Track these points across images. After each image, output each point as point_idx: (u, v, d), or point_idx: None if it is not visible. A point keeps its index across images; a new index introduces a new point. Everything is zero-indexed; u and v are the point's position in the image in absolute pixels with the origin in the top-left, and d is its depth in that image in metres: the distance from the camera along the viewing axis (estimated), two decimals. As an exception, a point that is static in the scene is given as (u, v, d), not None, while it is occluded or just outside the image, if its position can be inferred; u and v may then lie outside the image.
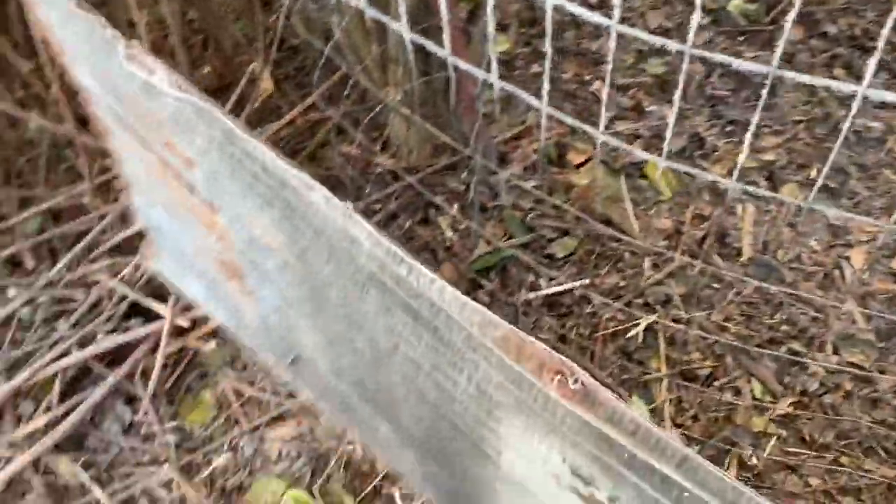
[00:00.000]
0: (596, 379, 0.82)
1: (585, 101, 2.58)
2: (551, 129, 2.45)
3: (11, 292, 2.07)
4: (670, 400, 1.97)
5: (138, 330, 2.08)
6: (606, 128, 2.48)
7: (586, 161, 2.39)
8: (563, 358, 0.83)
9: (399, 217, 2.35)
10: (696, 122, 2.45)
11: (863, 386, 1.93)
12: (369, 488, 1.93)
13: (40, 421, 1.94)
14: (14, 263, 2.25)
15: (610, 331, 2.09)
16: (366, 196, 2.32)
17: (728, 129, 2.44)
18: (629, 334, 2.08)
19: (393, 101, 2.30)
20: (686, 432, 1.92)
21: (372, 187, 2.38)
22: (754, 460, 1.85)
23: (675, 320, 2.08)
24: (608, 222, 2.29)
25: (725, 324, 2.06)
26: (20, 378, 1.95)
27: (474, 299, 2.18)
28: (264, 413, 2.06)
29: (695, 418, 1.94)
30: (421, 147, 2.42)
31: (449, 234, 2.33)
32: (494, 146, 2.43)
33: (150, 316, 2.11)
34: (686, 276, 2.17)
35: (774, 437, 1.89)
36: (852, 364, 1.97)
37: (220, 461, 1.99)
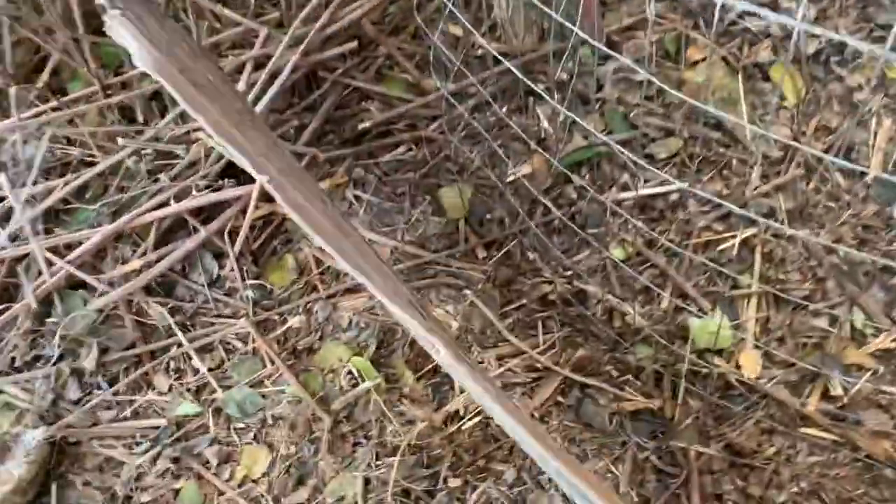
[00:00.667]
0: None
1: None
2: (671, 21, 2.25)
3: (122, 142, 2.18)
4: (757, 319, 1.83)
5: (230, 191, 2.15)
6: (733, 23, 2.24)
7: (705, 58, 2.18)
8: None
9: (495, 102, 2.26)
10: (839, 23, 2.16)
11: None
12: (429, 367, 1.94)
13: (136, 263, 2.07)
14: (128, 117, 2.37)
15: (703, 240, 1.95)
16: (463, 78, 2.24)
17: (876, 34, 2.14)
18: (723, 245, 1.93)
19: (501, -20, 2.18)
20: (770, 354, 1.78)
21: (471, 70, 2.30)
22: (840, 391, 1.69)
23: (776, 236, 1.90)
24: (719, 126, 2.10)
25: (835, 245, 1.86)
26: (122, 221, 2.07)
27: (560, 194, 2.09)
28: (340, 284, 2.10)
29: (780, 341, 1.79)
30: (527, 31, 2.29)
31: (545, 124, 2.22)
32: (604, 33, 2.27)
33: (243, 179, 2.17)
34: (797, 190, 1.96)
35: (869, 372, 1.72)
36: (978, 304, 1.73)
37: (294, 322, 2.05)
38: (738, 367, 1.76)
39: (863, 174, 1.96)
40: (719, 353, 1.79)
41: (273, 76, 2.22)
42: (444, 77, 2.27)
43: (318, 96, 2.37)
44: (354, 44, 2.31)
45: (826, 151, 2.00)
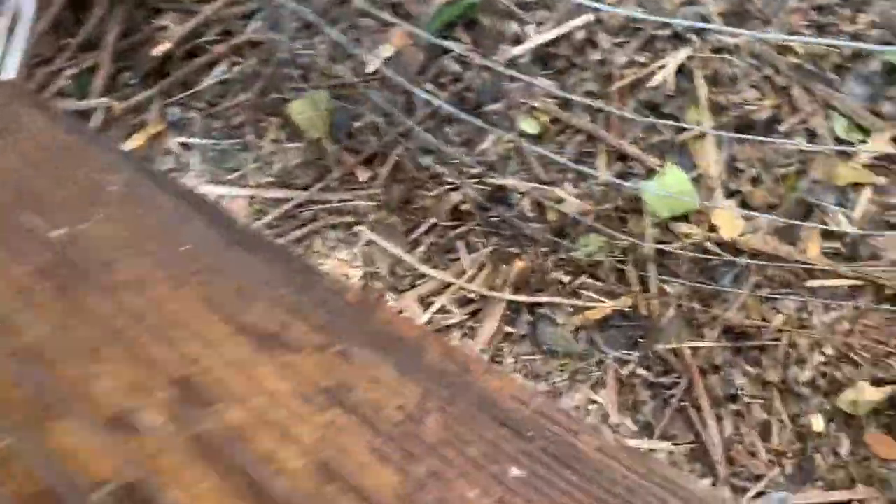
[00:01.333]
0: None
1: None
2: None
3: None
4: (719, 162, 1.44)
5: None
6: None
7: None
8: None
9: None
10: None
11: None
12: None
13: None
14: None
15: (628, 81, 1.51)
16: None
17: None
18: (655, 80, 1.51)
19: None
20: (747, 201, 1.41)
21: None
22: (844, 223, 1.34)
23: (717, 50, 1.48)
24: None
25: (788, 42, 1.46)
26: None
27: (440, 72, 1.61)
28: None
29: (755, 181, 1.42)
30: None
31: (395, -14, 1.70)
32: None
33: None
34: (727, -14, 1.54)
35: (869, 188, 1.37)
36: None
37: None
38: (712, 229, 1.38)
39: (798, -57, 1.53)
40: (685, 218, 1.41)
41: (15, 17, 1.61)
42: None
43: (95, 26, 1.76)
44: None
45: (747, -74, 1.57)
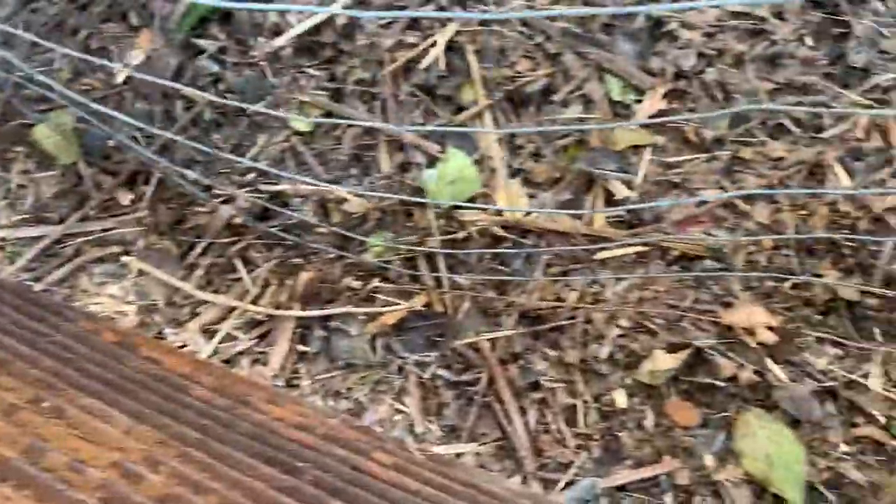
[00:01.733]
0: None
1: None
2: None
3: None
4: (499, 141, 1.37)
5: None
6: None
7: None
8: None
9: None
10: None
11: (756, 40, 1.35)
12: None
13: None
14: None
15: (399, 63, 1.41)
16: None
17: None
18: (426, 61, 1.41)
19: None
20: (530, 178, 1.34)
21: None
22: (625, 189, 1.30)
23: (485, 24, 1.40)
24: None
25: (556, 7, 1.40)
26: None
27: (197, 74, 1.45)
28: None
29: (536, 157, 1.35)
30: None
31: (139, -15, 1.52)
32: None
33: None
34: (489, -47, 1.46)
35: (649, 149, 1.33)
36: (740, 15, 1.36)
37: None
38: (499, 213, 1.31)
39: None
40: (472, 205, 1.33)
41: None
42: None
43: None
44: None
45: None
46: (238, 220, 1.38)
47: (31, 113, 1.49)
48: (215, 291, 1.38)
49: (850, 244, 1.22)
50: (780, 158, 1.28)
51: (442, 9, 1.42)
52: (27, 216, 1.47)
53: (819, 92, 1.30)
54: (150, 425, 0.87)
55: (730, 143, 1.31)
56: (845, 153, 1.26)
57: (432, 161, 1.37)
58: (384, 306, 1.32)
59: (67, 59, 1.50)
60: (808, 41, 1.34)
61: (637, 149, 1.33)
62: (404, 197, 1.30)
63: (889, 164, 1.25)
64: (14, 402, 0.79)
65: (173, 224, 1.43)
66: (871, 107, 1.27)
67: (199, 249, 1.41)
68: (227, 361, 1.34)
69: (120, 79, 1.48)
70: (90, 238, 1.44)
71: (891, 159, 1.25)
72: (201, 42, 1.46)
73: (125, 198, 1.44)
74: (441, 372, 1.27)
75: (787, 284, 1.22)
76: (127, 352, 1.00)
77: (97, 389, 0.92)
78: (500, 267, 1.31)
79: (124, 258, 1.42)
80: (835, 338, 1.20)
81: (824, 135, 1.28)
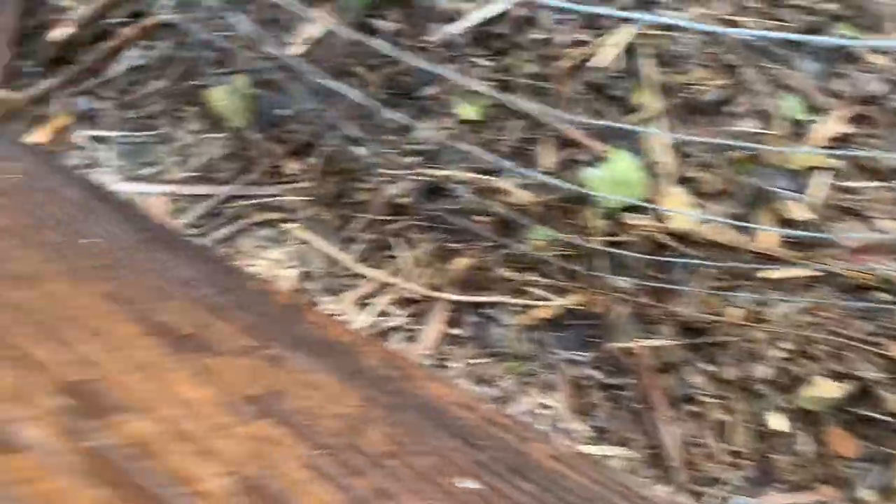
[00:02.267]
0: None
1: None
2: None
3: None
4: (669, 146, 1.36)
5: None
6: None
7: None
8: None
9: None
10: None
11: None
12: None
13: None
14: None
15: (572, 62, 1.42)
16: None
17: None
18: (598, 60, 1.41)
19: None
20: (698, 188, 1.33)
21: None
22: (797, 212, 1.28)
23: (668, 28, 1.40)
24: None
25: (738, 17, 1.38)
26: None
27: (369, 54, 1.49)
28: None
29: (705, 167, 1.34)
30: None
31: (320, -40, 1.56)
32: None
33: None
34: (674, -43, 1.45)
35: (825, 172, 1.31)
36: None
37: None
38: (662, 219, 1.31)
39: (746, -89, 1.45)
40: (634, 208, 1.33)
41: None
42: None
43: (-15, 9, 1.58)
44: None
45: None
46: (400, 201, 1.42)
47: (207, 76, 1.55)
48: (372, 266, 1.42)
49: None
50: (967, 195, 1.24)
51: (623, 9, 1.42)
52: (195, 174, 1.53)
53: None
54: (348, 385, 0.91)
55: (912, 175, 1.28)
56: None
57: (596, 160, 1.37)
58: (538, 300, 1.33)
59: (244, 26, 1.55)
60: None
61: (812, 170, 1.31)
62: (573, 188, 1.31)
63: None
64: (245, 344, 0.83)
65: (336, 197, 1.47)
66: None
67: (358, 224, 1.45)
68: (379, 335, 1.38)
69: (294, 52, 1.52)
70: (254, 202, 1.49)
71: None
72: (377, 23, 1.49)
73: (291, 167, 1.49)
74: (592, 372, 1.28)
75: (962, 325, 1.19)
76: (296, 313, 1.04)
77: (295, 345, 0.97)
78: (659, 275, 1.31)
79: (286, 225, 1.47)
80: None
81: None
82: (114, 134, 1.55)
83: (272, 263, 1.46)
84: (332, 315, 1.40)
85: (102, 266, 0.56)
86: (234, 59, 1.53)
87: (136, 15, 1.59)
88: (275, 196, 1.49)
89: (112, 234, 0.73)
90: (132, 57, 1.59)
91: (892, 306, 1.21)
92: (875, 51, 1.33)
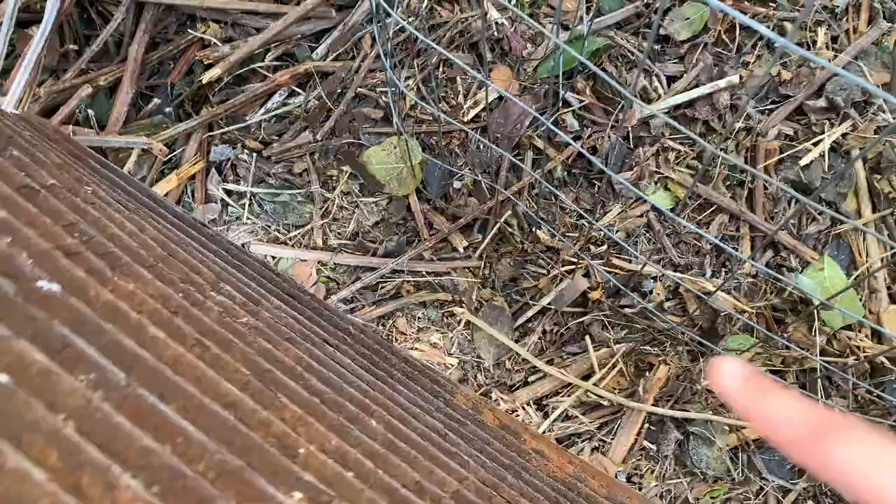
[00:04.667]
0: None
1: None
2: None
3: None
4: (882, 258, 1.29)
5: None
6: None
7: None
8: None
9: (408, -6, 1.43)
10: None
11: None
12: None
13: None
14: None
15: (776, 157, 1.33)
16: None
17: None
18: (807, 158, 1.33)
19: None
20: (912, 306, 1.26)
21: (358, -54, 1.42)
22: None
23: (879, 130, 1.32)
24: (750, -27, 1.42)
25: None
26: None
27: (554, 123, 1.37)
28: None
29: (928, 285, 1.27)
30: None
31: (494, 14, 1.43)
32: None
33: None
34: (883, 52, 1.37)
35: None
36: None
37: None
38: (878, 338, 1.23)
39: (957, 11, 1.38)
40: (848, 326, 1.25)
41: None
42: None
43: (113, 32, 1.40)
44: (152, -66, 1.33)
45: (901, -15, 1.40)
46: (588, 293, 1.30)
47: (364, 133, 1.41)
48: (549, 362, 1.30)
49: None
50: None
51: (833, 107, 1.34)
52: (348, 243, 1.38)
53: None
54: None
55: None
56: None
57: (804, 267, 1.29)
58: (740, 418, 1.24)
59: (413, 82, 1.41)
60: None
61: None
62: (786, 295, 1.22)
63: None
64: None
65: (510, 281, 1.34)
66: None
67: (534, 311, 1.33)
68: (559, 440, 1.27)
69: (468, 116, 1.39)
70: (417, 279, 1.35)
71: None
72: (566, 95, 1.37)
73: (460, 243, 1.36)
74: (808, 502, 1.19)
75: None
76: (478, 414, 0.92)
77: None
78: (875, 397, 1.23)
79: (453, 307, 1.34)
80: None
81: None
82: (255, 190, 1.39)
83: (434, 349, 1.33)
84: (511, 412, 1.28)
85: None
86: (397, 119, 1.39)
87: (290, 56, 1.43)
88: (440, 274, 1.35)
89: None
90: (279, 103, 1.42)
91: None
92: None
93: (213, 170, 1.41)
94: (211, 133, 1.41)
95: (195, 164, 1.39)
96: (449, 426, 0.78)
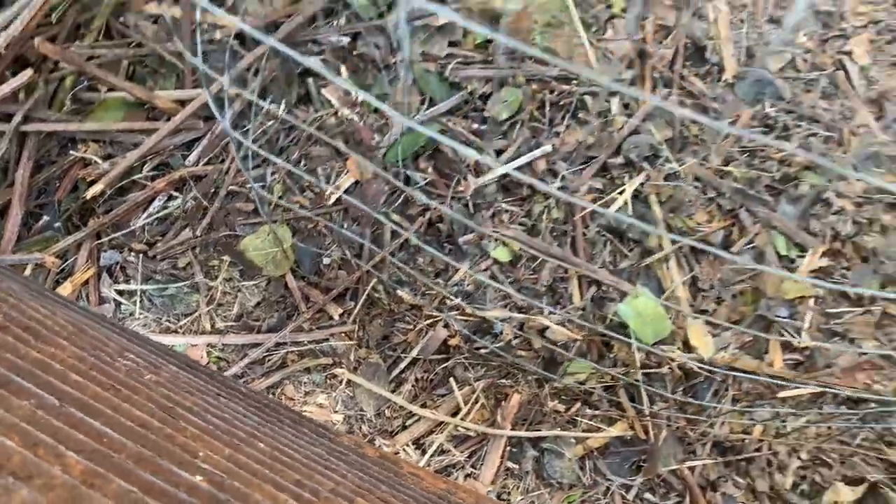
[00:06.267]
0: None
1: None
2: (448, -65, 1.75)
3: None
4: (683, 283, 1.56)
5: None
6: (522, -78, 1.80)
7: (506, -25, 1.74)
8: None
9: (269, 94, 1.64)
10: None
11: (899, 215, 1.60)
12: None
13: None
14: None
15: (590, 209, 1.59)
16: (211, 75, 1.58)
17: None
18: (614, 207, 1.60)
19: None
20: (711, 320, 1.53)
21: (209, 61, 1.63)
22: (797, 335, 1.50)
23: (668, 177, 1.61)
24: (553, 57, 1.70)
25: (726, 168, 1.62)
26: None
27: (406, 201, 1.59)
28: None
29: (718, 301, 1.55)
30: (274, -8, 1.66)
31: (345, 111, 1.66)
32: (381, -26, 1.71)
33: None
34: (665, 113, 1.67)
35: (811, 300, 1.54)
36: (884, 190, 1.61)
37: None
38: (689, 348, 1.49)
39: (720, 72, 1.71)
40: (663, 340, 1.50)
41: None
42: (171, 75, 1.59)
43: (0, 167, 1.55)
44: (28, 72, 1.50)
45: (673, 57, 1.71)
46: (449, 340, 1.51)
47: (239, 225, 1.59)
48: (423, 405, 1.50)
49: None
50: (926, 317, 1.51)
51: (629, 162, 1.62)
52: (233, 324, 1.55)
53: (953, 261, 1.55)
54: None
55: (880, 301, 1.54)
56: (981, 317, 1.51)
57: (623, 297, 1.54)
58: (586, 430, 1.46)
59: (278, 175, 1.61)
60: (942, 217, 1.60)
61: (803, 299, 1.55)
62: (610, 333, 1.47)
63: None
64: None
65: (382, 339, 1.54)
66: None
67: (405, 363, 1.53)
68: (438, 472, 1.46)
69: (331, 200, 1.60)
70: (300, 349, 1.53)
71: None
72: (411, 174, 1.61)
73: (334, 310, 1.55)
74: (647, 495, 1.42)
75: (938, 428, 1.44)
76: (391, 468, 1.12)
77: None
78: (691, 399, 1.48)
79: (334, 369, 1.52)
80: (981, 477, 1.42)
81: (962, 300, 1.53)
82: (144, 287, 1.55)
83: (321, 409, 1.51)
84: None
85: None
86: (263, 211, 1.58)
87: (165, 165, 1.61)
88: (320, 341, 1.54)
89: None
90: (158, 207, 1.60)
91: (884, 415, 1.45)
92: (839, 195, 1.59)
93: (105, 273, 1.56)
94: (99, 241, 1.57)
95: (87, 270, 1.54)
96: (331, 452, 0.96)
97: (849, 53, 1.72)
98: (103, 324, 0.85)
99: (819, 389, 1.47)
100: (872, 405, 1.46)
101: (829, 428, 1.45)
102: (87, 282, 1.54)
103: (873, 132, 1.66)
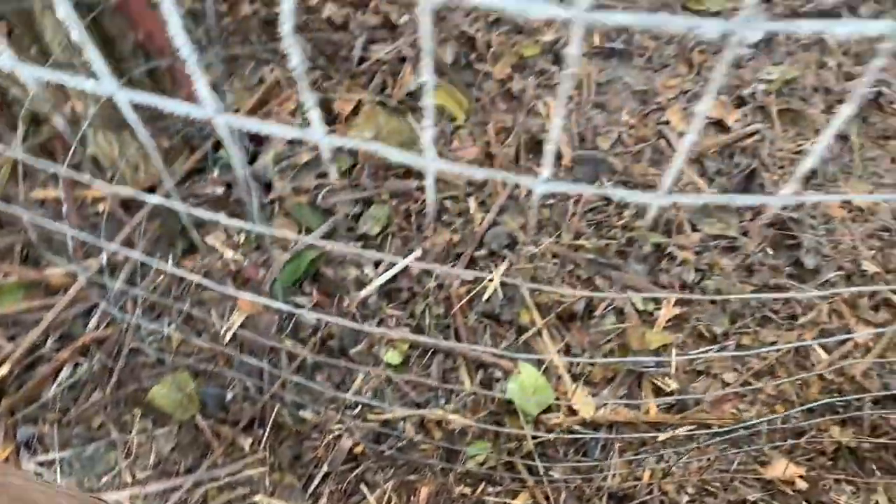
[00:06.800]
0: None
1: (328, 35, 2.09)
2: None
3: None
4: (558, 351, 1.71)
5: None
6: (361, 60, 2.03)
7: (357, 108, 1.94)
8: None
9: (156, 253, 1.78)
10: (466, 26, 2.08)
11: (734, 254, 1.80)
12: None
13: None
14: None
15: (465, 299, 1.75)
16: (98, 245, 1.71)
17: (491, 20, 2.10)
18: (487, 294, 1.76)
19: (85, 114, 1.67)
20: (590, 380, 1.68)
21: (96, 232, 1.77)
22: (665, 382, 1.66)
23: (530, 259, 1.78)
24: (409, 172, 1.90)
25: (578, 242, 1.81)
26: None
27: (296, 327, 1.72)
28: None
29: (592, 365, 1.70)
30: (145, 158, 1.82)
31: (229, 254, 1.81)
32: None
33: None
34: (517, 204, 1.87)
35: (673, 347, 1.71)
36: (717, 237, 1.82)
37: None
38: (573, 412, 1.63)
39: (559, 159, 1.92)
40: (549, 409, 1.64)
41: None
42: (63, 255, 1.72)
43: None
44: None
45: (517, 153, 1.93)
46: (355, 449, 1.63)
47: (146, 377, 1.70)
48: (342, 515, 1.59)
49: (841, 403, 1.62)
50: (773, 342, 1.70)
51: (493, 252, 1.79)
52: (152, 472, 1.64)
53: (787, 289, 1.75)
54: None
55: (732, 335, 1.72)
56: (818, 334, 1.69)
57: (508, 375, 1.69)
58: (494, 506, 1.58)
59: (175, 324, 1.73)
60: (770, 251, 1.81)
61: (665, 347, 1.71)
62: (496, 411, 1.60)
63: (850, 338, 1.69)
64: None
65: (293, 459, 1.64)
66: (827, 297, 1.72)
67: (320, 478, 1.63)
68: (364, 577, 1.54)
69: (227, 338, 1.72)
70: (218, 484, 1.62)
71: (850, 333, 1.70)
72: (298, 299, 1.75)
73: (244, 441, 1.65)
74: (556, 556, 1.53)
75: (802, 440, 1.60)
76: None
77: None
78: (582, 458, 1.61)
79: (253, 497, 1.61)
80: (847, 477, 1.57)
81: (800, 321, 1.72)
82: (62, 455, 1.63)
83: (247, 536, 1.59)
84: (320, 570, 1.54)
85: None
86: (169, 358, 1.69)
87: (67, 336, 1.72)
88: (235, 473, 1.63)
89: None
90: (68, 377, 1.69)
91: (752, 437, 1.60)
92: (680, 247, 1.79)
93: (23, 448, 1.64)
94: (13, 417, 1.65)
95: (5, 449, 1.62)
96: None
97: (667, 123, 1.96)
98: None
99: (692, 427, 1.62)
100: (741, 430, 1.62)
101: (709, 459, 1.59)
102: (7, 459, 1.61)
103: (699, 186, 1.88)
